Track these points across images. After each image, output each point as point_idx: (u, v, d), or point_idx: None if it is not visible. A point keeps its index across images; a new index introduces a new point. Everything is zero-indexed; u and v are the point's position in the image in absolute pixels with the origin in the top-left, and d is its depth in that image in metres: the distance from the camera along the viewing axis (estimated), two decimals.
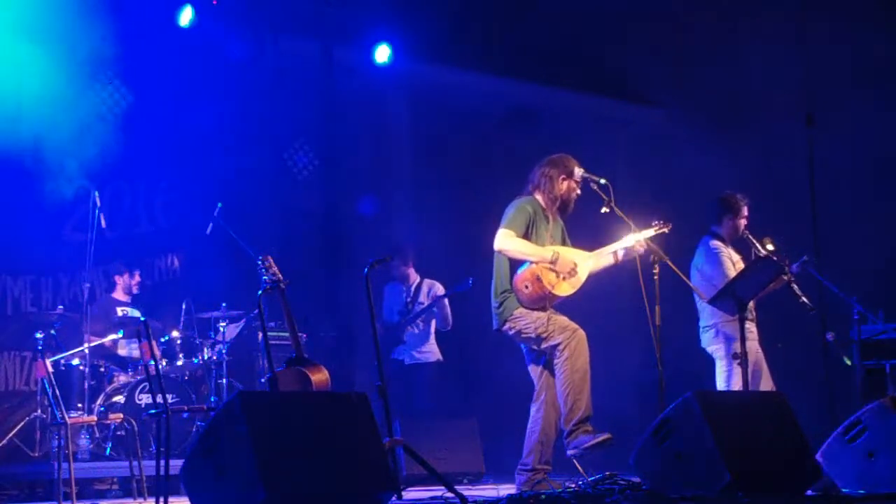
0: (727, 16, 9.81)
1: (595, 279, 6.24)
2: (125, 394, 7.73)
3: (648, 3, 9.97)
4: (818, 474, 5.28)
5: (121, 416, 7.24)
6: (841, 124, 8.96)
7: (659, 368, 5.97)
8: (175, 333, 8.15)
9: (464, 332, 9.20)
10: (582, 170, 6.22)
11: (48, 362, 6.61)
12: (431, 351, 8.96)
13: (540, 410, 6.13)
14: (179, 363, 8.11)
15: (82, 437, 7.47)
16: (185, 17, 8.99)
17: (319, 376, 6.42)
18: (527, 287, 6.02)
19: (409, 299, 9.00)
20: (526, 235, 6.09)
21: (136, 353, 8.00)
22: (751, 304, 6.69)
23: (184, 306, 8.25)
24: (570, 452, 5.94)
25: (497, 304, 6.15)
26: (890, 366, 8.17)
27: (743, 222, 7.00)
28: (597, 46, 10.20)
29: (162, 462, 5.33)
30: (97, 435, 7.63)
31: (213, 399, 8.00)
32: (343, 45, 10.08)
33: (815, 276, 7.20)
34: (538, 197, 6.26)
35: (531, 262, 6.03)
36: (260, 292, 6.65)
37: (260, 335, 7.88)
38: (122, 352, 8.16)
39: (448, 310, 8.97)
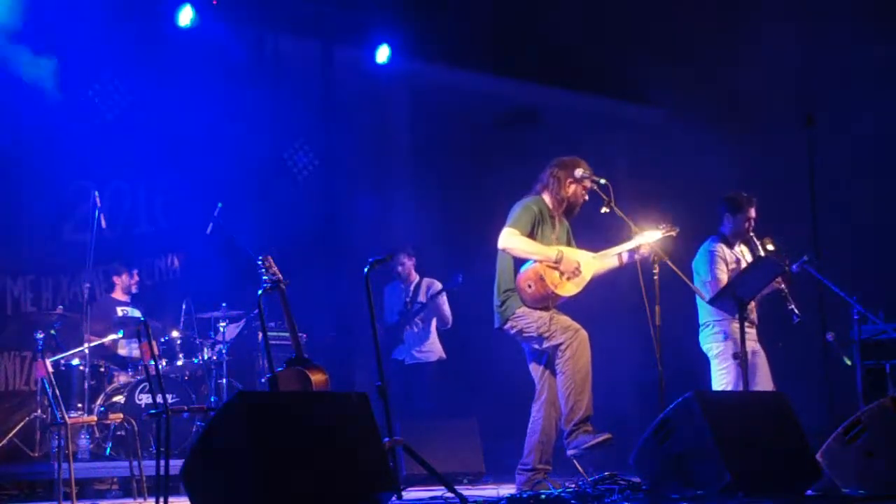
0: (727, 16, 9.80)
1: (595, 279, 6.23)
2: (125, 394, 7.74)
3: (649, 4, 9.96)
4: (818, 474, 5.28)
5: (121, 416, 7.24)
6: (841, 124, 8.95)
7: (659, 368, 5.96)
8: (175, 333, 8.16)
9: (464, 331, 9.20)
10: (583, 170, 6.21)
11: (48, 362, 6.62)
12: (432, 350, 8.96)
13: (541, 410, 6.12)
14: (179, 363, 8.12)
15: (82, 437, 7.47)
16: (185, 16, 9.00)
17: (319, 376, 6.42)
18: (530, 286, 6.00)
19: (408, 299, 9.01)
20: (531, 235, 6.07)
21: (136, 353, 8.01)
22: (751, 304, 6.68)
23: (184, 306, 8.27)
24: (570, 452, 5.93)
25: (499, 303, 6.14)
26: (890, 366, 8.15)
27: (749, 222, 6.95)
28: (597, 46, 10.19)
29: (162, 462, 5.33)
30: (97, 435, 7.64)
31: (213, 399, 8.00)
32: (343, 45, 10.10)
33: (815, 276, 7.18)
34: (545, 197, 6.24)
35: (535, 262, 6.02)
36: (260, 292, 6.66)
37: (260, 335, 7.88)
38: (122, 352, 8.17)
39: (446, 308, 8.97)
